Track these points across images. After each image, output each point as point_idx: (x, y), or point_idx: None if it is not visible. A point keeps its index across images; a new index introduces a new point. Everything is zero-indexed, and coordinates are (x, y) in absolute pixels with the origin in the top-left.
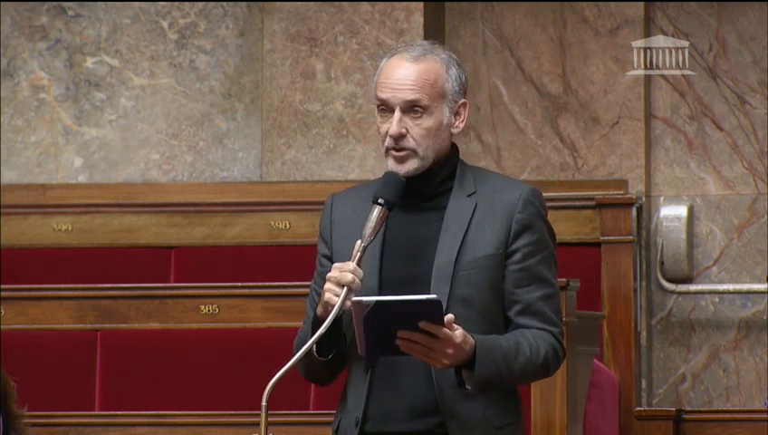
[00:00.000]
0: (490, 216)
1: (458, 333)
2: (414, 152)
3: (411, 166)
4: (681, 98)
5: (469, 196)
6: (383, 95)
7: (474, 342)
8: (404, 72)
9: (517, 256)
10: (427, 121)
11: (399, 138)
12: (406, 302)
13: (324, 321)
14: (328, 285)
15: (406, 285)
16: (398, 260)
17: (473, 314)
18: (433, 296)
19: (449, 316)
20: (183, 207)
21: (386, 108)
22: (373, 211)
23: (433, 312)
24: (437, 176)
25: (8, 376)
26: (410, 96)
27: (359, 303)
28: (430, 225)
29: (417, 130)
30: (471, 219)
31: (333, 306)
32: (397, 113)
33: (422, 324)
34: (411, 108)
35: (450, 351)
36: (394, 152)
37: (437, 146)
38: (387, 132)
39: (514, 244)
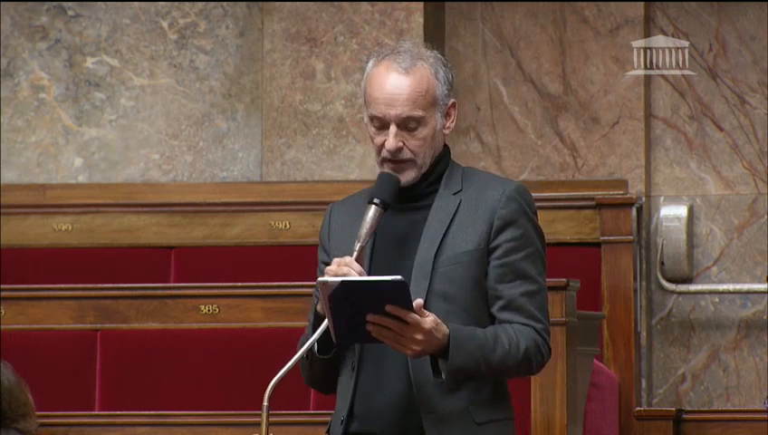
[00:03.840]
0: (473, 212)
1: (429, 319)
2: (413, 162)
3: (410, 175)
4: (681, 98)
5: (455, 194)
6: (377, 112)
7: (448, 330)
8: (396, 87)
9: (499, 252)
10: (423, 132)
11: (397, 151)
12: (370, 282)
13: (325, 318)
14: (327, 269)
15: None
16: (386, 257)
17: (456, 309)
18: (398, 277)
19: (418, 301)
20: (183, 207)
21: (380, 122)
22: (368, 211)
23: (399, 293)
24: (428, 177)
25: (14, 379)
26: (406, 112)
27: (324, 283)
28: (416, 223)
29: (413, 142)
30: (454, 216)
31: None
32: (392, 128)
33: (389, 308)
34: (406, 122)
35: (420, 337)
36: (391, 165)
37: (433, 151)
38: (382, 145)
39: (496, 239)
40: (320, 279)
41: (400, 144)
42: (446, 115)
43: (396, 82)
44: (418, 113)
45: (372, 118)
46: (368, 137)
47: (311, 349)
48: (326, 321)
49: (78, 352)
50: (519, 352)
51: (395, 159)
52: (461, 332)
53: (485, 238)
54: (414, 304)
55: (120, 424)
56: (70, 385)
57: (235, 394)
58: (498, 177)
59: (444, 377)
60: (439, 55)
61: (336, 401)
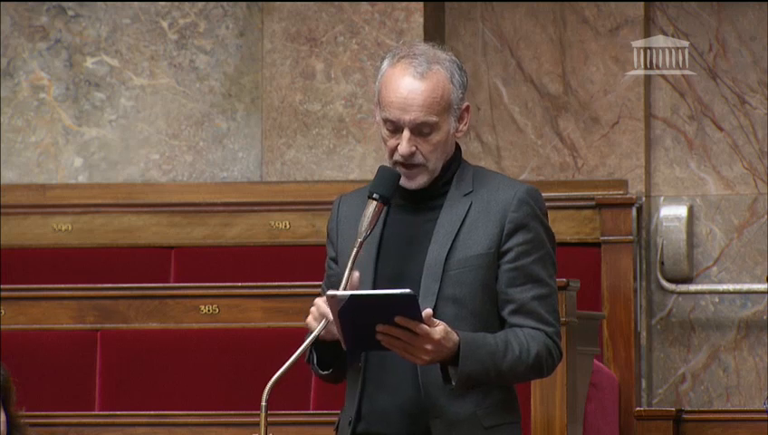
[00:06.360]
0: (484, 215)
1: (439, 329)
2: (424, 167)
3: (422, 180)
4: (681, 98)
5: (465, 195)
6: (391, 116)
7: (458, 338)
8: (411, 91)
9: (510, 256)
10: (436, 137)
11: (410, 156)
12: (379, 296)
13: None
14: (312, 309)
15: (399, 283)
16: (394, 257)
17: (464, 313)
18: (406, 290)
19: (427, 311)
20: (183, 207)
21: (393, 126)
22: (369, 207)
23: (408, 306)
24: (440, 178)
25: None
26: (420, 118)
27: (333, 297)
28: (426, 223)
29: (426, 147)
30: (465, 218)
31: (313, 330)
32: (406, 133)
33: (398, 319)
34: (420, 127)
35: (429, 347)
36: (404, 169)
37: (445, 155)
38: (394, 148)
39: (507, 243)
40: (328, 293)
41: (413, 149)
42: (460, 118)
43: (411, 86)
44: (433, 119)
45: (386, 121)
46: (368, 137)
47: (311, 360)
48: (317, 329)
49: (78, 352)
50: (530, 358)
51: (407, 163)
52: (471, 340)
53: (496, 242)
54: (423, 313)
55: (120, 424)
56: (70, 385)
57: (235, 394)
58: (509, 178)
59: (454, 384)
60: (454, 58)
61: (345, 400)
